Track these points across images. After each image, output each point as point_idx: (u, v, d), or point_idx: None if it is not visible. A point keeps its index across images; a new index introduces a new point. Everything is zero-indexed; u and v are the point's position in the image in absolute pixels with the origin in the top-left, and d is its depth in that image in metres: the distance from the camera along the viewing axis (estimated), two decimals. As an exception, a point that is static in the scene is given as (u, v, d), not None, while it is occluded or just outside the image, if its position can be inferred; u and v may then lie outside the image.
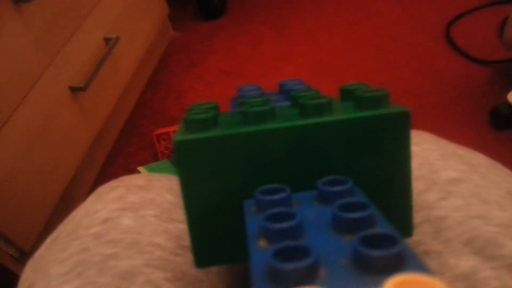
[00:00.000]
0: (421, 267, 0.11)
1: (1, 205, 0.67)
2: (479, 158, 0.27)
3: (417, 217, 0.23)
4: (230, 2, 1.49)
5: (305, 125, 0.16)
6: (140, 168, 0.94)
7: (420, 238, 0.23)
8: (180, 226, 0.27)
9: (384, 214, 0.14)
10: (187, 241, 0.26)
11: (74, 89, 0.84)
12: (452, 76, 1.07)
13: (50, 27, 0.79)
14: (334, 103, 0.18)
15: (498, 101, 0.94)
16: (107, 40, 0.94)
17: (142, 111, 1.14)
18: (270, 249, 0.12)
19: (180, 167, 0.17)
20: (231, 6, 1.48)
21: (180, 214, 0.28)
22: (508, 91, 0.92)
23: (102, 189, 0.30)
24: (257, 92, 0.22)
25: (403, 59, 1.15)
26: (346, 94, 0.19)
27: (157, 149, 1.00)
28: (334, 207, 0.14)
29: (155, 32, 1.19)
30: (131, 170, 0.99)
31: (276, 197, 0.15)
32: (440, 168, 0.26)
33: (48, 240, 0.30)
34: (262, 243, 0.14)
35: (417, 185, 0.25)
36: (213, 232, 0.18)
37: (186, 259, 0.25)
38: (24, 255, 0.72)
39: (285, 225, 0.13)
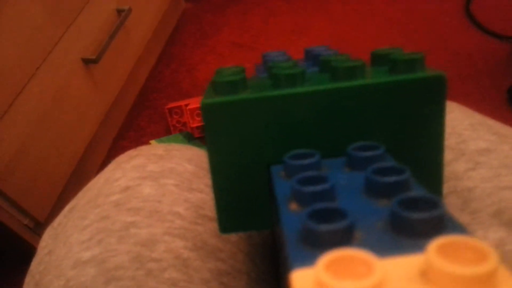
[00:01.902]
0: (462, 230, 0.11)
1: (16, 176, 0.68)
2: (509, 129, 0.27)
3: (444, 188, 0.23)
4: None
5: (338, 88, 0.16)
6: (153, 142, 0.94)
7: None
8: (200, 196, 0.27)
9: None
10: (207, 211, 0.26)
11: (86, 61, 0.84)
12: (471, 52, 1.05)
13: (62, -2, 0.78)
14: (366, 67, 0.18)
15: (517, 78, 0.92)
16: (119, 11, 0.93)
17: (154, 84, 1.14)
18: (303, 212, 0.12)
19: (208, 130, 0.17)
20: (244, -23, 1.45)
21: (200, 183, 0.28)
22: (527, 67, 0.90)
23: (121, 158, 0.30)
24: (284, 57, 0.22)
25: (419, 33, 1.12)
26: (379, 58, 0.18)
27: (169, 123, 1.00)
28: (368, 171, 0.13)
29: (167, 3, 1.18)
30: (143, 143, 0.99)
31: (306, 161, 0.15)
32: (469, 138, 0.25)
33: (66, 208, 0.30)
34: (294, 206, 0.13)
35: (445, 155, 0.24)
36: (239, 198, 0.18)
37: (206, 228, 0.25)
38: (38, 225, 0.73)
39: (318, 188, 0.13)
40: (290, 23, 1.24)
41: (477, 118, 0.28)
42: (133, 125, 1.05)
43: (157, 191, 0.26)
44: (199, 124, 0.95)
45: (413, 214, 0.11)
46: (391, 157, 0.15)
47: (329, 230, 0.11)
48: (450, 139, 0.26)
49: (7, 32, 0.66)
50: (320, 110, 0.16)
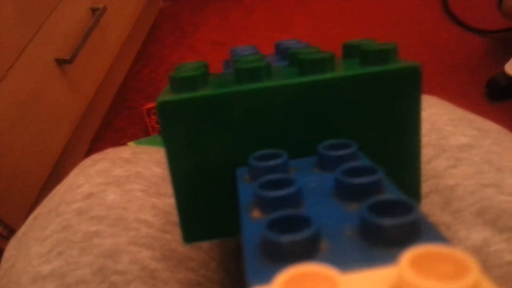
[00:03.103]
0: (438, 237, 0.10)
1: (-12, 182, 0.66)
2: (489, 123, 0.26)
3: (425, 186, 0.22)
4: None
5: (305, 82, 0.15)
6: (131, 143, 0.92)
7: (428, 209, 0.21)
8: (168, 201, 0.25)
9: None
10: (176, 217, 0.24)
11: (60, 62, 0.81)
12: (449, 46, 1.05)
13: (33, -4, 0.75)
14: (337, 60, 0.17)
15: (495, 72, 0.93)
16: (94, 10, 0.91)
17: (132, 84, 1.11)
18: (264, 220, 0.11)
19: (165, 132, 0.15)
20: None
21: (169, 188, 0.26)
22: (505, 62, 0.90)
23: (86, 162, 0.29)
24: (252, 51, 0.20)
25: (399, 28, 1.12)
26: (351, 50, 0.17)
27: (147, 124, 0.98)
28: (337, 172, 0.12)
29: (143, 1, 1.15)
30: (122, 145, 0.97)
31: (272, 163, 0.14)
32: (449, 133, 0.24)
33: (31, 217, 0.28)
34: (256, 213, 0.12)
35: (425, 152, 0.23)
36: (203, 204, 0.16)
37: (175, 236, 0.23)
38: (13, 233, 0.70)
39: (281, 192, 0.12)
40: (271, 21, 1.23)
41: (457, 113, 0.27)
42: (112, 126, 1.02)
43: (122, 198, 0.24)
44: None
45: (385, 220, 0.10)
46: (365, 156, 0.14)
47: (290, 241, 0.10)
48: (430, 135, 0.25)
49: (-27, 32, 0.64)
50: (287, 107, 0.15)
